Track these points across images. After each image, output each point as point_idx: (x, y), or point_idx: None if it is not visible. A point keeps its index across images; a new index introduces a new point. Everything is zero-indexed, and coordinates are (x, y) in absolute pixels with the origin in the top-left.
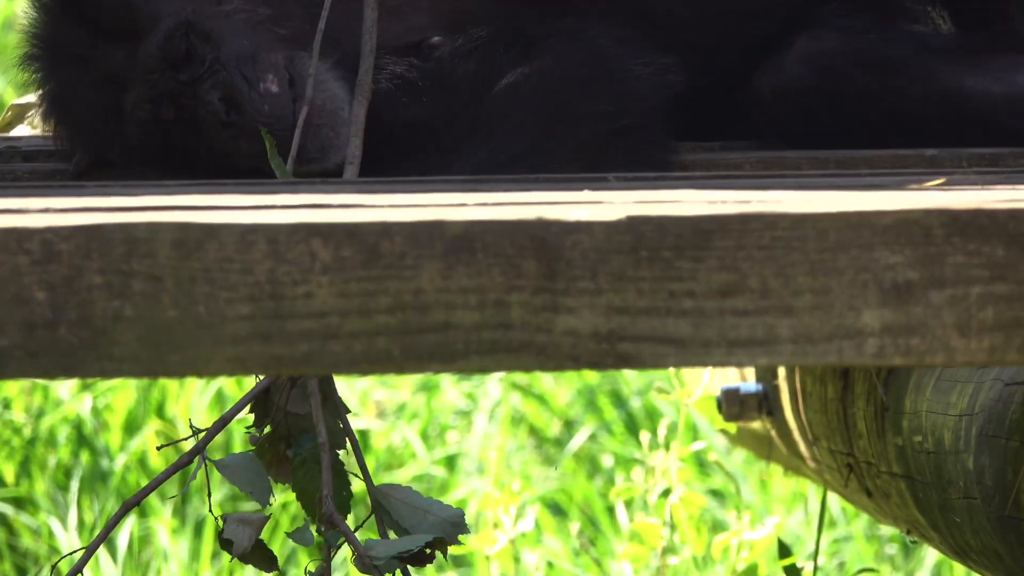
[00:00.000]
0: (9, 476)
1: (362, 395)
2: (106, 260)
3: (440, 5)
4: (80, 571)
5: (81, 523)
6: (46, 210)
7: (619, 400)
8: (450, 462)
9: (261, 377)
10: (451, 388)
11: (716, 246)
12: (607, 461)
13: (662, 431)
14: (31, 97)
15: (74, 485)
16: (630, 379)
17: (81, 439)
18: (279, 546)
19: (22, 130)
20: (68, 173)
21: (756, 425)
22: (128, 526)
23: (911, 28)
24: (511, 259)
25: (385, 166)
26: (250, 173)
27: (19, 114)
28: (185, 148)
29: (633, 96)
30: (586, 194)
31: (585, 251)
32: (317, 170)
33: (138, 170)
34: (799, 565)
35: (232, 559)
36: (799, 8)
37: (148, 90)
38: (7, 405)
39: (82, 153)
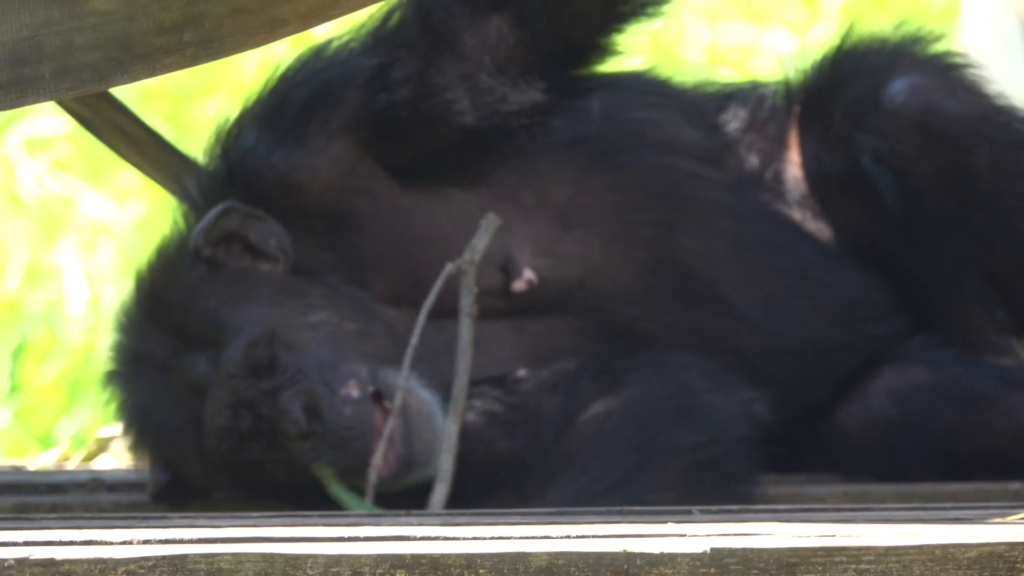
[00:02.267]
0: None
1: None
2: None
3: (524, 339)
4: None
5: None
6: (129, 541)
7: None
8: None
9: None
10: None
11: None
12: None
13: None
14: (115, 428)
15: None
16: None
17: None
18: None
19: (106, 461)
20: (147, 493)
21: None
22: None
23: (994, 361)
24: None
25: (471, 497)
26: (323, 492)
27: (103, 445)
28: (261, 463)
29: (720, 429)
30: (670, 527)
31: None
32: (414, 480)
33: (214, 488)
34: None
35: None
36: (883, 340)
37: (228, 396)
38: None
39: (159, 471)
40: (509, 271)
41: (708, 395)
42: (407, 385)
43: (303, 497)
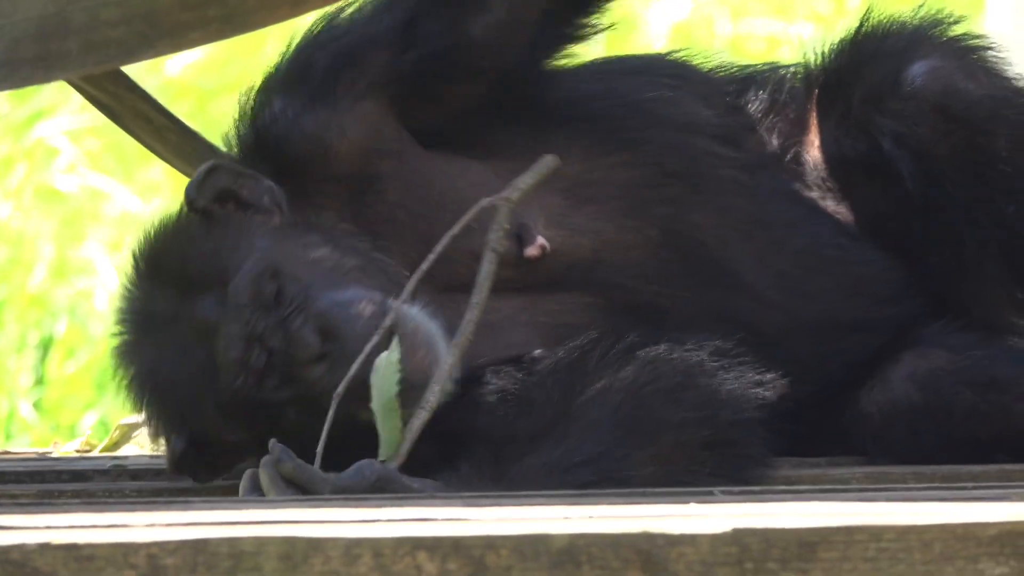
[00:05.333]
0: None
1: None
2: (212, 574)
3: (541, 319)
4: None
5: None
6: (152, 525)
7: None
8: None
9: None
10: None
11: (821, 557)
12: None
13: None
14: (137, 417)
15: None
16: None
17: None
18: None
19: (130, 449)
20: (165, 466)
21: None
22: None
23: (1016, 344)
24: (616, 572)
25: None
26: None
27: (126, 433)
28: (276, 403)
29: (722, 408)
30: (692, 507)
31: (690, 563)
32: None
33: (229, 435)
34: None
35: None
36: (901, 321)
37: (240, 328)
38: None
39: (176, 439)
40: (522, 238)
41: (713, 374)
42: (413, 312)
43: (317, 442)
